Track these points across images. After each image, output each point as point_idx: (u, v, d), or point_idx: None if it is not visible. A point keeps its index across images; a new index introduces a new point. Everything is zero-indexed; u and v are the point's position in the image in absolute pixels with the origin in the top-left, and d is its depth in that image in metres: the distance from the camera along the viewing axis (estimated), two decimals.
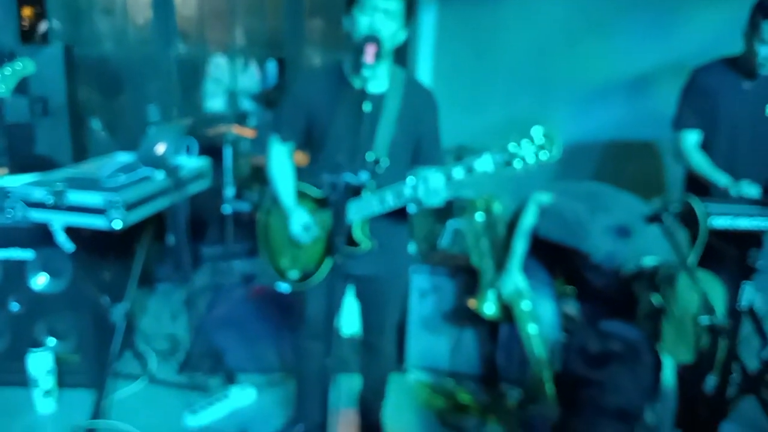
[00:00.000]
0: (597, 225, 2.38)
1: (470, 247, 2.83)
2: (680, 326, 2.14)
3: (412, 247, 2.80)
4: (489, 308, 2.72)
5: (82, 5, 4.63)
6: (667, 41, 3.66)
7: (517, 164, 1.85)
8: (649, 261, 2.29)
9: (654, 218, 2.17)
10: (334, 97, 2.15)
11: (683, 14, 3.64)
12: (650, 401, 2.32)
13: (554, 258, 2.61)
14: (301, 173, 2.35)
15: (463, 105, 4.00)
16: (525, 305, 2.59)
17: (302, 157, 2.37)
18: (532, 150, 1.84)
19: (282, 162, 2.33)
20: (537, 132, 1.84)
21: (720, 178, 2.72)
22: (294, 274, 2.34)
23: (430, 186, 1.98)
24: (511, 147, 1.85)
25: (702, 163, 2.80)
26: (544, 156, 1.83)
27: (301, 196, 2.31)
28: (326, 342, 1.86)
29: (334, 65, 2.24)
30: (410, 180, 2.04)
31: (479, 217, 2.80)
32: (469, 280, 3.06)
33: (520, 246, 2.55)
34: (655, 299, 2.18)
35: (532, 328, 2.59)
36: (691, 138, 2.85)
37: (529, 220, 2.53)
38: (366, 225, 2.19)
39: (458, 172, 1.96)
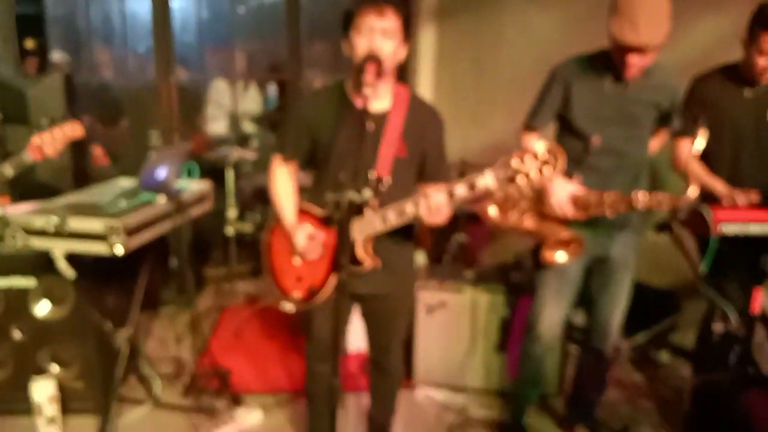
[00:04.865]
0: None
1: None
2: None
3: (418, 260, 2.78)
4: None
5: (83, 36, 4.64)
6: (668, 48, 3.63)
7: (520, 180, 1.82)
8: None
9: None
10: (337, 117, 2.15)
11: (683, 21, 3.61)
12: None
13: None
14: (304, 193, 2.33)
15: (464, 120, 3.98)
16: None
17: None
18: (535, 165, 1.81)
19: (284, 181, 2.33)
20: (540, 147, 1.81)
21: (716, 184, 2.68)
22: (298, 293, 2.32)
23: (431, 203, 1.97)
24: (514, 163, 1.83)
25: (698, 171, 2.76)
26: (547, 171, 1.80)
27: (304, 215, 2.29)
28: (332, 362, 1.82)
29: (335, 85, 2.23)
30: (413, 197, 2.02)
31: None
32: None
33: None
34: None
35: None
36: (688, 146, 2.81)
37: None
38: (369, 243, 2.17)
39: (460, 190, 1.94)
